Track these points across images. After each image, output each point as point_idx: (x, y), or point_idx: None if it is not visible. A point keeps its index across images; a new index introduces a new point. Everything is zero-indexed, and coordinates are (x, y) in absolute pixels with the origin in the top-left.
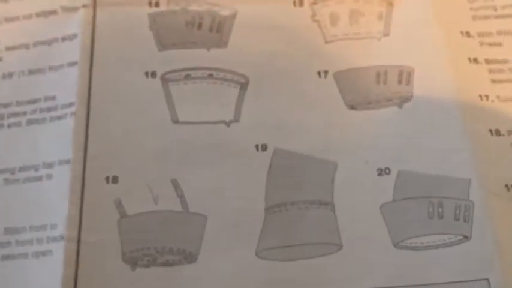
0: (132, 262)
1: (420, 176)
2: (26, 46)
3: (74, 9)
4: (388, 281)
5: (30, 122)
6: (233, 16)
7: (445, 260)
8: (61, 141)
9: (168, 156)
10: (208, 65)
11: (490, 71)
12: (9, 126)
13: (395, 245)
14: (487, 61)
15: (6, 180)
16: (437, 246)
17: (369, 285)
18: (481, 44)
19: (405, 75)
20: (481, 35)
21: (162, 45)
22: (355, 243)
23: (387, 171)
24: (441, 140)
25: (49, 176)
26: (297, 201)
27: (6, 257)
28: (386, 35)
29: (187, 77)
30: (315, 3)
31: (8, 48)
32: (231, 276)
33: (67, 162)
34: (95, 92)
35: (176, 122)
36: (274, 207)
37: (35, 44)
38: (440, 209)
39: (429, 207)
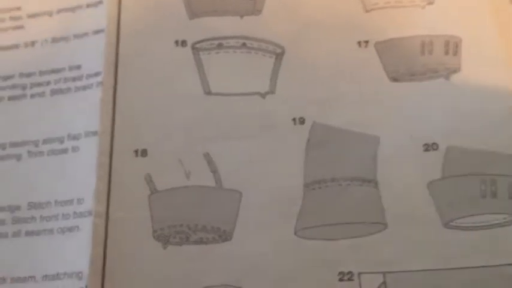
0: (164, 240)
1: (471, 152)
2: (49, 13)
3: None
4: (437, 263)
5: (54, 92)
6: None
7: (499, 241)
8: (87, 112)
9: (200, 129)
10: (242, 34)
11: None
12: (32, 96)
13: (445, 225)
14: None
15: (30, 153)
16: (490, 227)
17: (416, 267)
18: None
19: (452, 46)
20: None
21: (193, 13)
22: (401, 222)
23: (435, 146)
24: (492, 114)
25: (75, 149)
26: (338, 177)
27: (30, 233)
28: (430, 3)
29: (219, 46)
30: None
31: (30, 16)
32: (268, 256)
33: (94, 134)
34: (122, 61)
35: (208, 93)
36: (314, 184)
37: (59, 11)
38: (493, 187)
39: (481, 185)
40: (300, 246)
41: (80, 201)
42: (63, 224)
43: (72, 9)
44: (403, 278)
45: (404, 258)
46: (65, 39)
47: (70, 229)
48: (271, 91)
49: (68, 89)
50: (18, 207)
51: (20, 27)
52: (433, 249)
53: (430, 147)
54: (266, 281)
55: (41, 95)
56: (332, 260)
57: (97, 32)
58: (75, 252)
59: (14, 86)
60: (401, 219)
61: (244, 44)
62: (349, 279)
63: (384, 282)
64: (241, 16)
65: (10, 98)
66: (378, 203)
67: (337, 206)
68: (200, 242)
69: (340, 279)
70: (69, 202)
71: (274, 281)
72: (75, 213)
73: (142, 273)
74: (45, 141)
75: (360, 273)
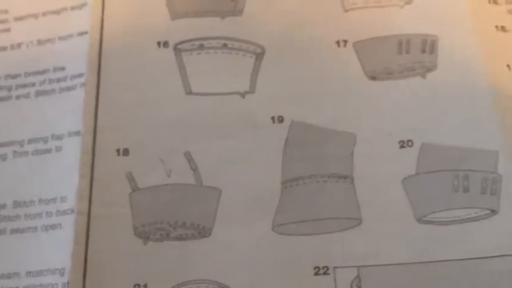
0: (144, 236)
1: (445, 149)
2: (35, 16)
3: None
4: (411, 257)
5: (39, 93)
6: None
7: (471, 235)
8: (70, 113)
9: (181, 128)
10: (223, 35)
11: None
12: (17, 97)
13: (419, 220)
14: None
15: (15, 153)
16: (462, 221)
17: (390, 261)
18: (509, 11)
19: (429, 44)
20: (509, 2)
21: (175, 14)
22: (375, 217)
23: (410, 143)
24: (467, 111)
25: (58, 148)
26: (315, 174)
27: (15, 231)
28: (408, 2)
29: (200, 47)
30: None
31: (17, 19)
32: (246, 251)
33: (77, 134)
34: (105, 62)
35: (189, 93)
36: (292, 181)
37: (44, 14)
38: (465, 182)
39: (454, 181)
40: (277, 241)
41: (63, 199)
42: (47, 221)
43: (58, 12)
44: (377, 271)
45: (378, 253)
46: (50, 41)
47: (53, 227)
48: (251, 90)
49: (52, 90)
50: (3, 206)
51: (7, 30)
52: (406, 244)
53: (405, 144)
54: (244, 275)
55: (26, 96)
56: (308, 254)
57: (81, 33)
58: (58, 249)
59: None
60: (376, 214)
61: (225, 45)
62: (325, 273)
63: (358, 276)
64: (223, 17)
65: None
66: (353, 198)
67: (314, 202)
68: (180, 238)
69: (316, 274)
70: (53, 200)
71: (252, 276)
72: (58, 211)
73: (123, 269)
74: (30, 141)
75: (335, 268)
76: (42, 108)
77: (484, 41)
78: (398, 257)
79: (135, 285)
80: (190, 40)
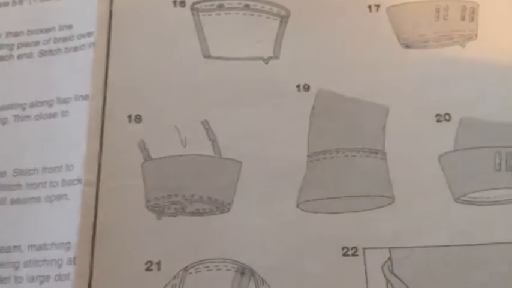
0: (158, 210)
1: (485, 124)
2: None
3: None
4: (448, 239)
5: (43, 53)
6: None
7: None
8: (78, 75)
9: (198, 95)
10: None
11: None
12: (19, 57)
13: (457, 200)
14: None
15: (16, 117)
16: (505, 202)
17: (425, 243)
18: None
19: (468, 11)
20: None
21: None
22: (409, 196)
23: (447, 117)
24: (509, 84)
25: (64, 113)
26: (343, 148)
27: (16, 201)
28: None
29: (220, 7)
30: None
31: None
32: (268, 229)
33: (84, 97)
34: (116, 21)
35: (208, 57)
36: (318, 154)
37: None
38: (509, 160)
39: (496, 158)
40: (302, 219)
41: (68, 168)
42: (51, 192)
43: None
44: (410, 254)
45: (411, 234)
46: None
47: (58, 197)
48: (275, 56)
49: (58, 50)
50: (3, 174)
51: None
52: (442, 225)
53: (442, 117)
54: (266, 254)
55: (29, 55)
56: (335, 234)
57: None
58: (63, 221)
59: (0, 46)
60: (410, 192)
61: (247, 6)
62: (353, 255)
63: (390, 258)
64: None
65: None
66: (385, 175)
67: (342, 178)
68: (196, 213)
69: (344, 254)
70: (58, 169)
71: (275, 255)
72: (63, 180)
73: (134, 244)
74: (32, 105)
75: (364, 249)
76: (47, 69)
77: None
78: (433, 239)
79: (147, 263)
80: None
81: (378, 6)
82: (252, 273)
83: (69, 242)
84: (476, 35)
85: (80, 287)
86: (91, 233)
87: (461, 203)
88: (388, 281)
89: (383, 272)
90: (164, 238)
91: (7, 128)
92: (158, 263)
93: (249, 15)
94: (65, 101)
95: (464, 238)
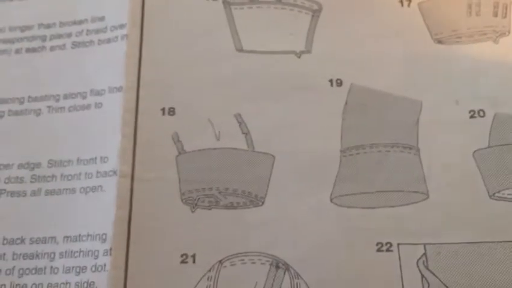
0: (192, 203)
1: None
2: None
3: None
4: (481, 236)
5: (75, 45)
6: None
7: None
8: (111, 67)
9: (230, 88)
10: None
11: None
12: (51, 49)
13: (491, 196)
14: None
15: (50, 108)
16: None
17: (459, 240)
18: None
19: (501, 8)
20: None
21: None
22: (443, 192)
23: (481, 113)
24: None
25: (98, 105)
26: (377, 143)
27: (51, 192)
28: None
29: (252, 1)
30: None
31: None
32: (302, 223)
33: (118, 90)
34: (149, 13)
35: (240, 50)
36: (351, 150)
37: None
38: None
39: None
40: (336, 214)
41: (103, 159)
42: (86, 183)
43: None
44: (445, 250)
45: (446, 230)
46: None
47: (93, 189)
48: (307, 50)
49: (91, 42)
50: (38, 165)
51: None
52: (477, 221)
53: (476, 114)
54: (300, 248)
55: (62, 47)
56: (370, 229)
57: None
58: (99, 213)
59: (32, 38)
60: (444, 188)
61: (278, 0)
62: (388, 250)
63: (425, 254)
64: None
65: (28, 50)
66: (419, 171)
67: (376, 173)
68: (230, 206)
69: (379, 250)
70: (92, 161)
71: (309, 249)
72: (98, 172)
73: (169, 237)
74: (66, 97)
75: (399, 244)
76: (80, 61)
77: None
78: (468, 235)
79: (182, 255)
80: None
81: (409, 1)
82: (287, 267)
83: (105, 234)
84: (509, 31)
85: (116, 278)
86: (127, 224)
87: (496, 199)
88: (423, 276)
89: (418, 267)
90: (198, 231)
91: (41, 120)
92: (193, 256)
93: (280, 9)
94: (98, 92)
95: (499, 235)
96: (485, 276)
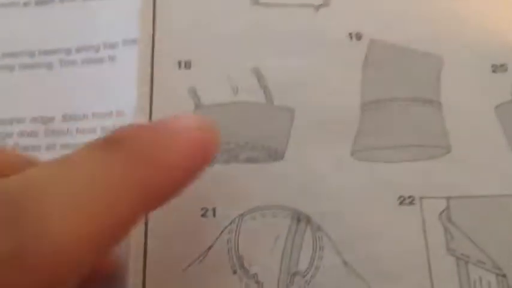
0: None
1: None
2: None
3: None
4: (504, 189)
5: None
6: None
7: None
8: (125, 18)
9: (247, 42)
10: None
11: None
12: (61, 0)
13: None
14: None
15: (62, 62)
16: None
17: (482, 193)
18: None
19: None
20: None
21: None
22: (465, 146)
23: (504, 67)
24: None
25: (112, 58)
26: (397, 97)
27: (66, 146)
28: None
29: None
30: None
31: None
32: (323, 176)
33: (132, 42)
34: None
35: (256, 3)
36: (372, 104)
37: None
38: None
39: None
40: (358, 167)
41: (119, 113)
42: None
43: None
44: (467, 203)
45: (469, 183)
46: None
47: None
48: (325, 3)
49: None
50: (51, 119)
51: None
52: (500, 174)
53: (498, 68)
54: (321, 201)
55: None
56: (391, 183)
57: None
58: None
59: None
60: (466, 142)
61: None
62: (410, 203)
63: (448, 208)
64: None
65: (37, 3)
66: (441, 125)
67: (397, 127)
68: (249, 160)
69: (401, 203)
70: (108, 115)
71: (330, 202)
72: (114, 126)
73: (189, 191)
74: (78, 50)
75: (421, 198)
76: (92, 13)
77: None
78: (490, 188)
79: (202, 209)
80: None
81: None
82: (308, 219)
83: None
84: None
85: (137, 231)
86: None
87: None
88: (446, 229)
89: (441, 221)
90: (218, 185)
91: (53, 73)
92: (214, 210)
93: None
94: (112, 45)
95: None
96: (508, 228)
